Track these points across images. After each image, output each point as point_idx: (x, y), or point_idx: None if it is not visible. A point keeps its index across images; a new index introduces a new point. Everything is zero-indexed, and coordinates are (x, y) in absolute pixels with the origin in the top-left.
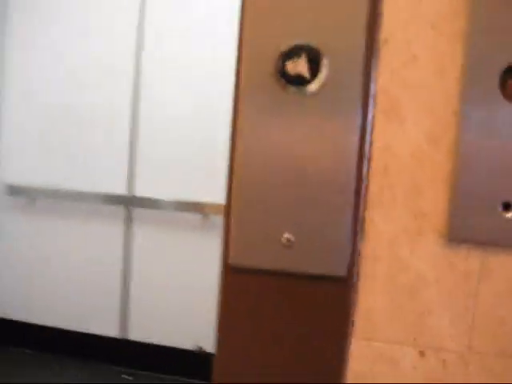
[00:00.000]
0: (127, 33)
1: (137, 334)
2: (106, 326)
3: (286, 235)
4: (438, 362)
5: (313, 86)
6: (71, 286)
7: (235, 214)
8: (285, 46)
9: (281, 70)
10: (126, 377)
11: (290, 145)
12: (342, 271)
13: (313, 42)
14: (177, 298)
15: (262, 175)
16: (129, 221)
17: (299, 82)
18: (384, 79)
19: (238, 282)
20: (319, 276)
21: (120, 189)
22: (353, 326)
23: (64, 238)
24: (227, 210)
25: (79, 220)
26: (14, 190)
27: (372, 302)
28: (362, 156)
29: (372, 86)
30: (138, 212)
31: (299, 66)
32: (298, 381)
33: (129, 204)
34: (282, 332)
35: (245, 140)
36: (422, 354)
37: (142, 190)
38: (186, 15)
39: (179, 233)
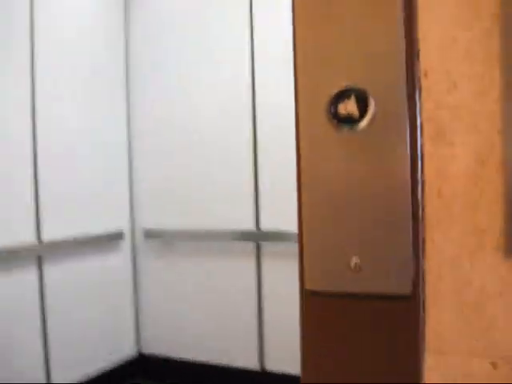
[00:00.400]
0: (242, 66)
1: (273, 365)
2: (244, 359)
3: (354, 260)
4: (511, 372)
5: (363, 123)
6: (209, 320)
7: (306, 244)
8: (335, 90)
9: (333, 112)
10: None
11: (349, 177)
12: (407, 290)
13: (359, 83)
14: None
15: (327, 207)
16: (259, 255)
17: (350, 120)
18: (428, 108)
19: (315, 305)
20: (387, 295)
21: (248, 224)
22: (424, 340)
23: (199, 275)
24: (300, 240)
25: (212, 257)
26: (150, 233)
27: (440, 317)
28: (415, 182)
29: (418, 116)
30: (266, 246)
31: (349, 107)
32: None
33: (257, 239)
34: (358, 349)
35: (308, 176)
36: (494, 365)
37: (268, 224)
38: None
39: None
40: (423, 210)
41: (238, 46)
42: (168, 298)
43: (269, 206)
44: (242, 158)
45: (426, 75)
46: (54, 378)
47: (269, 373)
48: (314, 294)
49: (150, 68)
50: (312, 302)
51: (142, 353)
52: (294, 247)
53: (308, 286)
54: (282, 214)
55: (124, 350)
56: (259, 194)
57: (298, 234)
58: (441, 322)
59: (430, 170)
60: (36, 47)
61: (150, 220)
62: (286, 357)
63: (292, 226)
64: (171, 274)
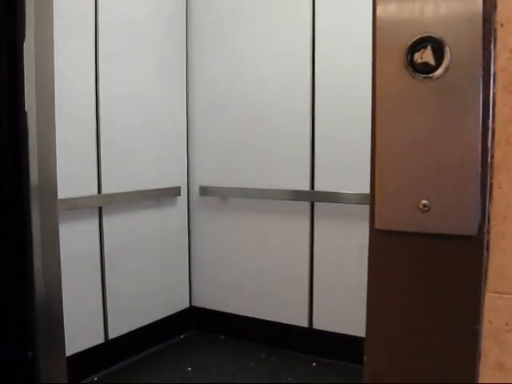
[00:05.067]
0: (303, 31)
1: (321, 324)
2: (293, 316)
3: (423, 201)
4: None
5: (439, 72)
6: (260, 277)
7: (379, 187)
8: (412, 40)
9: (409, 61)
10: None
11: (422, 124)
12: (472, 231)
13: (436, 33)
14: (358, 288)
15: (400, 152)
16: (312, 215)
17: (426, 69)
18: (502, 59)
19: (384, 243)
20: (453, 236)
21: (303, 185)
22: (486, 279)
23: (252, 232)
24: (372, 184)
25: (266, 216)
26: (206, 191)
27: (503, 258)
28: (486, 129)
29: (492, 66)
30: (319, 206)
31: (425, 56)
32: (439, 329)
33: (311, 199)
34: (422, 284)
35: (383, 121)
36: None
37: (322, 186)
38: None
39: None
40: (492, 156)
41: (299, 17)
42: (221, 253)
43: (323, 168)
44: (299, 120)
45: (502, 26)
46: (111, 326)
47: (316, 330)
48: (383, 232)
49: (210, 33)
50: (381, 240)
51: (194, 305)
52: (346, 208)
53: (377, 226)
54: (336, 176)
55: (177, 302)
56: (315, 155)
57: (371, 177)
58: (504, 263)
59: (501, 119)
60: (100, 17)
61: (206, 177)
62: (334, 316)
63: (344, 188)
64: (225, 231)
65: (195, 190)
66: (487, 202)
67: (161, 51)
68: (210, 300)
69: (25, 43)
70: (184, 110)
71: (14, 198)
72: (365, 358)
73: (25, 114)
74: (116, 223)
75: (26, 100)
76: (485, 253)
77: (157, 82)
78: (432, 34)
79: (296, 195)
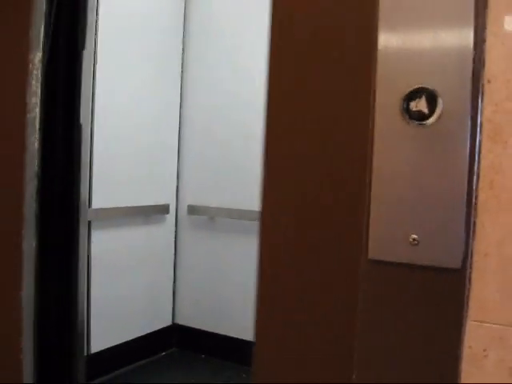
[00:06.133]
0: None
1: None
2: None
3: (413, 236)
4: None
5: (431, 120)
6: (246, 297)
7: (374, 220)
8: (408, 90)
9: (405, 108)
10: None
11: (415, 166)
12: (457, 264)
13: (430, 85)
14: None
15: (394, 190)
16: None
17: (420, 117)
18: (488, 111)
19: (376, 272)
20: (439, 268)
21: None
22: (468, 309)
23: (237, 252)
24: (367, 217)
25: (252, 236)
26: (194, 210)
27: (484, 290)
28: (472, 173)
29: (479, 117)
30: None
31: (420, 105)
32: (424, 352)
33: None
34: (410, 310)
35: (380, 162)
36: None
37: None
38: None
39: None
40: (476, 197)
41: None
42: (206, 272)
43: None
44: None
45: (489, 82)
46: (93, 341)
47: None
48: (376, 262)
49: (206, 48)
50: (373, 269)
51: (177, 323)
52: None
53: (371, 256)
54: None
55: (160, 319)
56: None
57: (365, 213)
58: (485, 294)
59: (485, 164)
60: (100, 22)
61: (195, 196)
62: None
63: None
64: (211, 250)
65: (183, 209)
66: (471, 239)
67: (155, 67)
68: (192, 318)
69: (85, 51)
70: (176, 129)
71: (63, 213)
72: (354, 375)
73: (80, 126)
74: (104, 238)
75: (81, 111)
76: (467, 284)
77: (149, 100)
78: (427, 86)
79: None
